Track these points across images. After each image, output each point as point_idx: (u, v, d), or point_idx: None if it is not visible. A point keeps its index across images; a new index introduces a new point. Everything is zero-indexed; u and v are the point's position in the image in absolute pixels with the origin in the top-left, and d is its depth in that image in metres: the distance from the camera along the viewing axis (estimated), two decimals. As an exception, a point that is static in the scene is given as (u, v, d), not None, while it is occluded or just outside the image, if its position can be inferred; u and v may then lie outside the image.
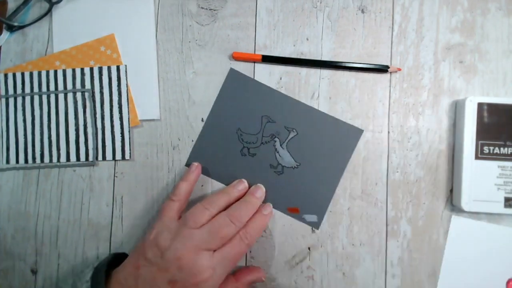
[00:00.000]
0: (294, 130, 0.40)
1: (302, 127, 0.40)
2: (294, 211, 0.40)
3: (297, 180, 0.40)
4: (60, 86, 0.43)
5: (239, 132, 0.41)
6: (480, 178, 0.37)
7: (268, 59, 0.41)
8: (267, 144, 0.41)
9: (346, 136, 0.40)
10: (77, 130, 0.42)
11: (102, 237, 0.42)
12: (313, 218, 0.40)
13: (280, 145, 0.40)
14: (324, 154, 0.40)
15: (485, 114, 0.37)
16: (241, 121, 0.41)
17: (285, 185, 0.40)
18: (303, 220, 0.40)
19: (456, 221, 0.39)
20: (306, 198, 0.40)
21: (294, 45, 0.41)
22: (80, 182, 0.42)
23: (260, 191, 0.39)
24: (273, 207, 0.40)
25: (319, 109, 0.41)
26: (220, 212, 0.36)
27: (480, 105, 0.37)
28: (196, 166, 0.40)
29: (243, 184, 0.40)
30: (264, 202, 0.40)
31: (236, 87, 0.41)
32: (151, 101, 0.42)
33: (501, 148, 0.37)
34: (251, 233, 0.36)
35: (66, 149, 0.43)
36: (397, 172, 0.40)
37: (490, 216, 0.39)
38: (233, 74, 0.41)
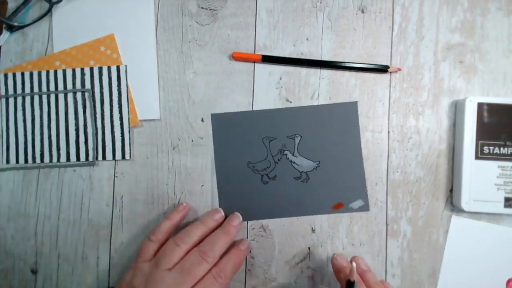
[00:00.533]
0: (297, 135, 0.40)
1: (303, 129, 0.40)
2: (339, 207, 0.40)
3: (325, 178, 0.40)
4: (60, 86, 0.43)
5: (250, 165, 0.40)
6: (480, 178, 0.37)
7: (268, 59, 0.41)
8: (281, 161, 0.40)
9: (345, 115, 0.40)
10: (77, 130, 0.42)
11: (102, 237, 0.42)
12: (359, 203, 0.40)
13: (293, 155, 0.40)
14: (335, 141, 0.40)
15: (485, 114, 0.37)
16: (246, 155, 0.41)
17: (317, 188, 0.40)
18: (352, 210, 0.40)
19: (456, 221, 0.39)
20: (342, 189, 0.40)
21: (294, 45, 0.41)
22: (80, 182, 0.42)
23: (237, 219, 0.38)
24: (316, 213, 0.40)
25: (319, 109, 0.41)
26: (194, 246, 0.35)
27: (480, 105, 0.37)
28: (184, 206, 0.40)
29: (220, 214, 0.39)
30: (302, 213, 0.39)
31: (225, 129, 0.41)
32: (151, 101, 0.42)
33: (501, 148, 0.37)
34: (225, 271, 0.35)
35: (66, 149, 0.43)
36: (397, 172, 0.40)
37: (490, 216, 0.39)
38: (216, 119, 0.41)
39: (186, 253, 0.35)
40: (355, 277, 0.32)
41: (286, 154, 0.40)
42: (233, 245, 0.38)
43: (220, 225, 0.38)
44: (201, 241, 0.36)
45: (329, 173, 0.40)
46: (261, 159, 0.40)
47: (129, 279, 0.35)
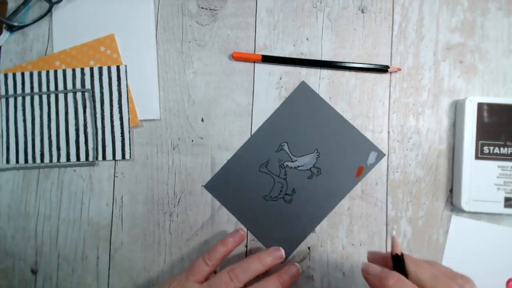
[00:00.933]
0: (282, 144, 0.40)
1: (283, 135, 0.40)
2: (361, 171, 0.40)
3: (331, 159, 0.40)
4: (60, 86, 0.43)
5: (267, 197, 0.40)
6: (480, 178, 0.37)
7: (268, 59, 0.41)
8: (287, 174, 0.40)
9: (303, 97, 0.40)
10: (77, 130, 0.42)
11: (102, 237, 0.42)
12: (373, 155, 0.40)
13: (292, 161, 0.40)
14: (314, 124, 0.40)
15: (485, 114, 0.37)
16: (258, 193, 0.40)
17: (332, 173, 0.40)
18: (373, 166, 0.40)
19: (456, 221, 0.39)
20: (351, 155, 0.40)
21: (294, 45, 0.41)
22: (80, 182, 0.42)
23: (296, 270, 0.37)
24: (347, 192, 0.39)
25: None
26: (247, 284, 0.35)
27: (480, 105, 0.37)
28: (240, 235, 0.39)
29: (280, 253, 0.37)
30: (337, 201, 0.39)
31: (223, 187, 0.41)
32: (151, 101, 0.42)
33: (501, 148, 0.37)
34: None
35: (66, 149, 0.43)
36: (397, 172, 0.40)
37: (490, 216, 0.39)
38: (210, 187, 0.41)
39: None
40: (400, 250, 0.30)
41: (287, 166, 0.40)
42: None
43: (276, 264, 0.37)
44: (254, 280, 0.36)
45: (331, 152, 0.40)
46: (271, 186, 0.40)
47: None
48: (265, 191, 0.40)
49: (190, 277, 0.35)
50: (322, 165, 0.40)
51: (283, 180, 0.40)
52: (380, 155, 0.40)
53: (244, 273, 0.35)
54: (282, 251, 0.37)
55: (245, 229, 0.40)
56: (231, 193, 0.41)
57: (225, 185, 0.41)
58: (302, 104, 0.40)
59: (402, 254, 0.29)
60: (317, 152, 0.40)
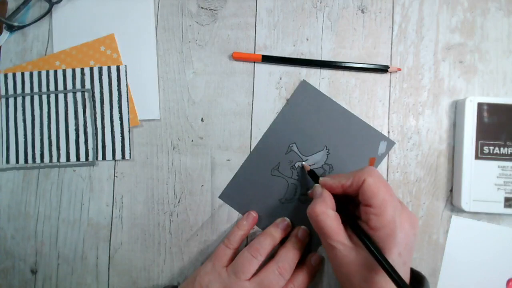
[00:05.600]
0: (291, 145, 0.40)
1: (289, 137, 0.40)
2: (373, 162, 0.39)
3: (341, 154, 0.40)
4: (60, 86, 0.43)
5: (283, 200, 0.40)
6: (480, 178, 0.37)
7: (268, 59, 0.41)
8: (300, 174, 0.40)
9: (306, 96, 0.40)
10: (77, 130, 0.42)
11: (102, 237, 0.42)
12: (383, 145, 0.39)
13: (303, 161, 0.40)
14: (320, 120, 0.40)
15: (485, 114, 0.37)
16: (273, 197, 0.40)
17: (343, 166, 0.40)
18: (384, 155, 0.39)
19: (456, 221, 0.39)
20: (361, 147, 0.39)
21: (294, 45, 0.41)
22: (80, 182, 0.42)
23: (303, 231, 0.38)
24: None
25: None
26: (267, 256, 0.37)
27: (480, 105, 0.37)
28: (253, 217, 0.40)
29: (286, 223, 0.39)
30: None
31: (238, 196, 0.41)
32: (151, 101, 0.42)
33: (501, 148, 0.37)
34: (299, 287, 0.36)
35: (66, 149, 0.43)
36: (397, 172, 0.40)
37: (490, 216, 0.38)
38: (225, 197, 0.41)
39: (260, 264, 0.36)
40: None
41: (298, 166, 0.40)
42: (305, 259, 0.38)
43: (286, 233, 0.39)
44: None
45: (340, 147, 0.40)
46: (285, 188, 0.40)
47: (206, 283, 0.36)
48: (280, 194, 0.40)
49: (216, 263, 0.37)
50: (333, 161, 0.40)
51: (296, 181, 0.40)
52: (390, 144, 0.40)
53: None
54: (288, 220, 0.39)
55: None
56: (247, 200, 0.41)
57: (239, 193, 0.41)
58: (305, 103, 0.40)
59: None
60: (326, 149, 0.40)
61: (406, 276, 0.31)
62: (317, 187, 0.35)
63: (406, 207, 0.33)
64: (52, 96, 0.43)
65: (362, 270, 0.30)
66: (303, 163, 0.39)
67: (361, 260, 0.30)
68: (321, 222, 0.32)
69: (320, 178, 0.36)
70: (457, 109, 0.39)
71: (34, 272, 0.42)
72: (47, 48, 0.43)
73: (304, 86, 0.40)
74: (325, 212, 0.32)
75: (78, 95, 0.43)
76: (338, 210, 0.33)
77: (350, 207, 0.34)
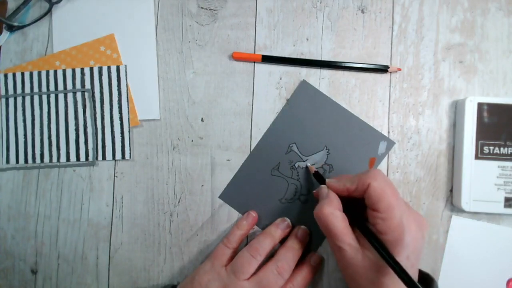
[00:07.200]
0: (291, 145, 0.40)
1: (289, 137, 0.40)
2: (373, 162, 0.39)
3: (341, 154, 0.40)
4: (60, 86, 0.43)
5: (283, 200, 0.40)
6: (480, 178, 0.37)
7: (268, 59, 0.41)
8: (300, 174, 0.40)
9: (305, 95, 0.40)
10: (77, 130, 0.43)
11: (102, 237, 0.42)
12: (383, 145, 0.39)
13: (303, 161, 0.40)
14: (320, 120, 0.40)
15: (485, 114, 0.37)
16: (273, 197, 0.40)
17: (343, 167, 0.39)
18: (384, 155, 0.39)
19: (456, 221, 0.39)
20: (360, 147, 0.39)
21: (294, 45, 0.41)
22: (80, 182, 0.42)
23: (303, 231, 0.38)
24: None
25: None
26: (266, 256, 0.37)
27: (480, 105, 0.37)
28: (253, 217, 0.40)
29: (286, 223, 0.39)
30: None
31: (238, 197, 0.40)
32: (151, 101, 0.42)
33: (501, 148, 0.37)
34: (298, 287, 0.36)
35: (66, 149, 0.43)
36: (397, 172, 0.40)
37: (490, 216, 0.38)
38: (225, 196, 0.40)
39: (259, 264, 0.36)
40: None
41: (299, 166, 0.40)
42: (303, 260, 0.38)
43: (286, 233, 0.39)
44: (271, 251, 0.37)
45: (341, 147, 0.40)
46: (285, 188, 0.40)
47: (205, 283, 0.36)
48: (280, 194, 0.40)
49: (216, 262, 0.37)
50: (333, 161, 0.40)
51: (296, 181, 0.40)
52: (390, 144, 0.40)
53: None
54: (288, 220, 0.39)
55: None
56: (247, 200, 0.40)
57: (239, 194, 0.41)
58: (305, 103, 0.40)
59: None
60: (326, 149, 0.40)
61: (414, 278, 0.31)
62: (323, 188, 0.35)
63: (412, 209, 0.33)
64: (52, 96, 0.43)
65: (370, 272, 0.30)
66: (308, 164, 0.39)
67: (369, 261, 0.30)
68: (329, 223, 0.32)
69: (326, 180, 0.35)
70: (457, 109, 0.39)
71: (34, 272, 0.42)
72: (47, 48, 0.43)
73: (304, 86, 0.40)
74: (333, 213, 0.32)
75: (78, 95, 0.43)
76: (345, 211, 0.33)
77: (358, 209, 0.34)
